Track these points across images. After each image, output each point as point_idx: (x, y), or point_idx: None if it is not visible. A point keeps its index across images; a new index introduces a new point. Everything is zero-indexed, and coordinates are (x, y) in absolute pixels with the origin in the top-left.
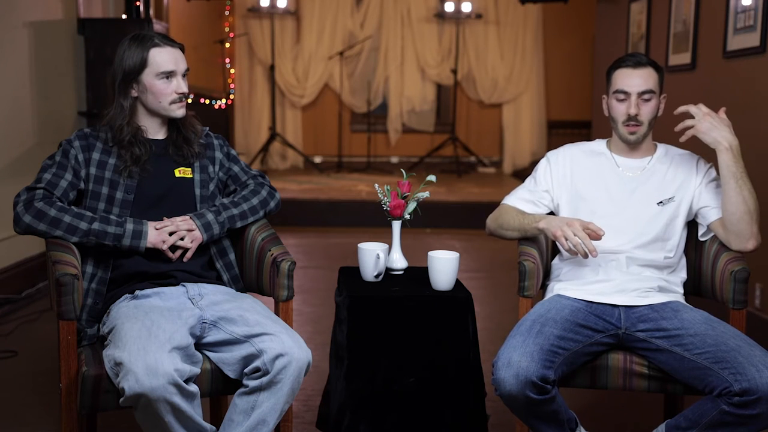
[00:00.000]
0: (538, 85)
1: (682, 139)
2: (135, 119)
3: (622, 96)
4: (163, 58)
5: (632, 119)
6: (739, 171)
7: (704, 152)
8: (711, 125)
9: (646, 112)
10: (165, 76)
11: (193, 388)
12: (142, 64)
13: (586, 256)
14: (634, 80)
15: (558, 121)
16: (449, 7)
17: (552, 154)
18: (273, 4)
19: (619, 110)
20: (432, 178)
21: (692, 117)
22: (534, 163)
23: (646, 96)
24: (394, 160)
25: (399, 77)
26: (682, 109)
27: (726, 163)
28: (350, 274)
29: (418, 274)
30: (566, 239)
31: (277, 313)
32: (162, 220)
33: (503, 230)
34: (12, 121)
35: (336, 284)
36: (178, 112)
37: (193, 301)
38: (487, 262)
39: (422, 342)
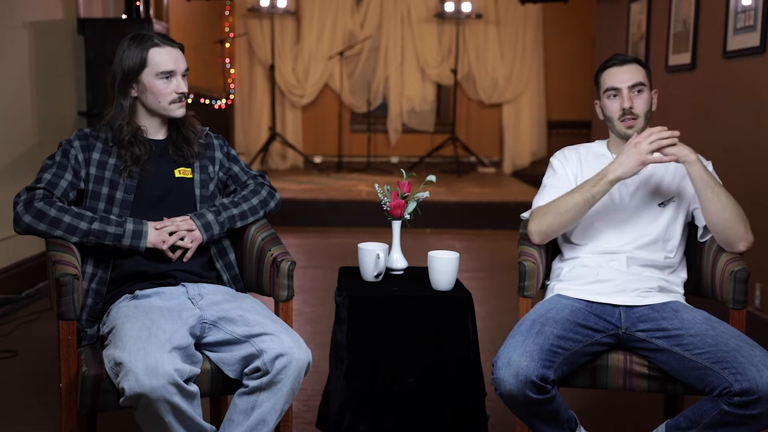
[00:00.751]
0: (538, 85)
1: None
2: (135, 119)
3: (613, 93)
4: (162, 57)
5: (627, 113)
6: (711, 179)
7: (702, 151)
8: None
9: (640, 104)
10: (164, 75)
11: (193, 388)
12: (142, 64)
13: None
14: (622, 76)
15: (558, 121)
16: (449, 7)
17: (561, 153)
18: (273, 4)
19: (613, 107)
20: (432, 178)
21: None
22: (534, 163)
23: (637, 89)
24: (394, 160)
25: (399, 77)
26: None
27: (699, 174)
28: (350, 274)
29: (418, 274)
30: (650, 157)
31: (277, 313)
32: (162, 220)
33: (561, 215)
34: (12, 121)
35: (336, 284)
36: (178, 111)
37: (193, 301)
38: (487, 262)
39: (422, 342)
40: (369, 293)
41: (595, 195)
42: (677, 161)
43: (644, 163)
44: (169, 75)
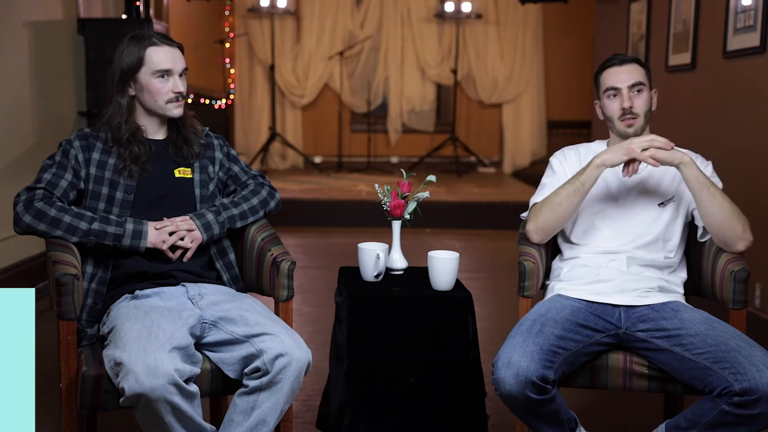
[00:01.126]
0: (538, 85)
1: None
2: (133, 118)
3: (613, 92)
4: (159, 56)
5: (628, 112)
6: (706, 180)
7: (703, 151)
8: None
9: (640, 104)
10: (161, 74)
11: (193, 388)
12: (139, 63)
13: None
14: (621, 75)
15: (558, 121)
16: (449, 7)
17: (560, 153)
18: (273, 4)
19: (613, 107)
20: (432, 178)
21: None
22: (534, 163)
23: (636, 88)
24: (394, 160)
25: (399, 77)
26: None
27: (694, 176)
28: (350, 274)
29: (418, 274)
30: (638, 150)
31: (277, 313)
32: (162, 220)
33: (555, 209)
34: (12, 121)
35: (336, 284)
36: (175, 111)
37: (193, 301)
38: (487, 262)
39: (422, 342)
40: (369, 293)
41: (584, 182)
42: (669, 164)
43: (630, 154)
44: (165, 74)
